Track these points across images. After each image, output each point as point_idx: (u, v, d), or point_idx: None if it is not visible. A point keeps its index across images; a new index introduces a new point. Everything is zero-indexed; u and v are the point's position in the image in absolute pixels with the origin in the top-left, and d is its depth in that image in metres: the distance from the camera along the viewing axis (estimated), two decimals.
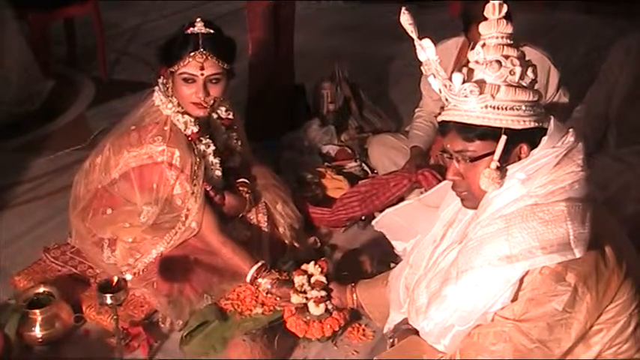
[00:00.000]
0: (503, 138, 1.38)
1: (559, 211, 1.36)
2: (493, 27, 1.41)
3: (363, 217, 2.52)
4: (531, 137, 1.41)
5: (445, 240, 1.61)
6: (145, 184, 2.10)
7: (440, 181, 2.16)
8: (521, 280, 1.37)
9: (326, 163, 2.80)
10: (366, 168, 2.78)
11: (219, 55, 2.04)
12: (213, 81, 2.06)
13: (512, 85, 1.38)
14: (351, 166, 2.79)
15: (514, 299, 1.39)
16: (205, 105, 2.08)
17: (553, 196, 1.38)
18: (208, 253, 2.13)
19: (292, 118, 3.09)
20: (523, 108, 1.39)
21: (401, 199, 2.41)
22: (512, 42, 1.42)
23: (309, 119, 3.07)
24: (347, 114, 3.10)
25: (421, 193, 2.30)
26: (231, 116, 2.30)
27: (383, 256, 2.27)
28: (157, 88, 2.14)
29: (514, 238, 1.36)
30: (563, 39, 4.14)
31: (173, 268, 2.09)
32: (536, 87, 1.43)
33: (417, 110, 2.74)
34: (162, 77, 2.14)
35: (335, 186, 2.63)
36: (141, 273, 2.10)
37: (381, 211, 2.11)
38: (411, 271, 1.69)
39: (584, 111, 2.47)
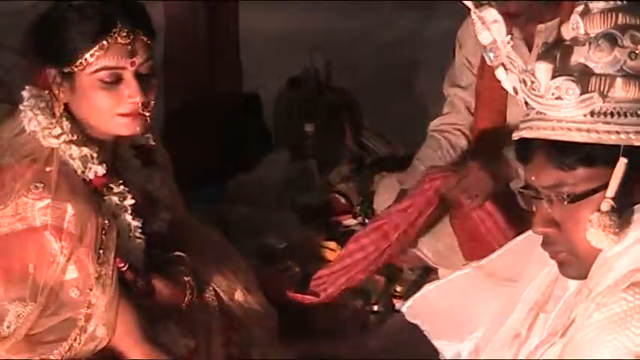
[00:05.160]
0: (622, 162, 1.11)
1: None
2: None
3: (375, 308, 1.99)
4: None
5: (536, 332, 1.32)
6: (13, 266, 1.54)
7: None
8: None
9: (307, 222, 2.21)
10: None
11: (146, 30, 1.55)
12: (145, 73, 1.56)
13: (633, 77, 1.09)
14: (349, 223, 2.19)
15: None
16: (143, 112, 1.56)
17: None
18: None
19: (243, 150, 2.42)
20: None
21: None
22: (628, 6, 1.13)
23: (270, 150, 2.44)
24: (334, 137, 2.42)
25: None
26: (152, 142, 1.75)
27: None
28: (25, 104, 1.59)
29: None
30: None
31: None
32: None
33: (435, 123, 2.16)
34: (38, 86, 1.59)
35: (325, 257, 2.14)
36: None
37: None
38: None
39: None
